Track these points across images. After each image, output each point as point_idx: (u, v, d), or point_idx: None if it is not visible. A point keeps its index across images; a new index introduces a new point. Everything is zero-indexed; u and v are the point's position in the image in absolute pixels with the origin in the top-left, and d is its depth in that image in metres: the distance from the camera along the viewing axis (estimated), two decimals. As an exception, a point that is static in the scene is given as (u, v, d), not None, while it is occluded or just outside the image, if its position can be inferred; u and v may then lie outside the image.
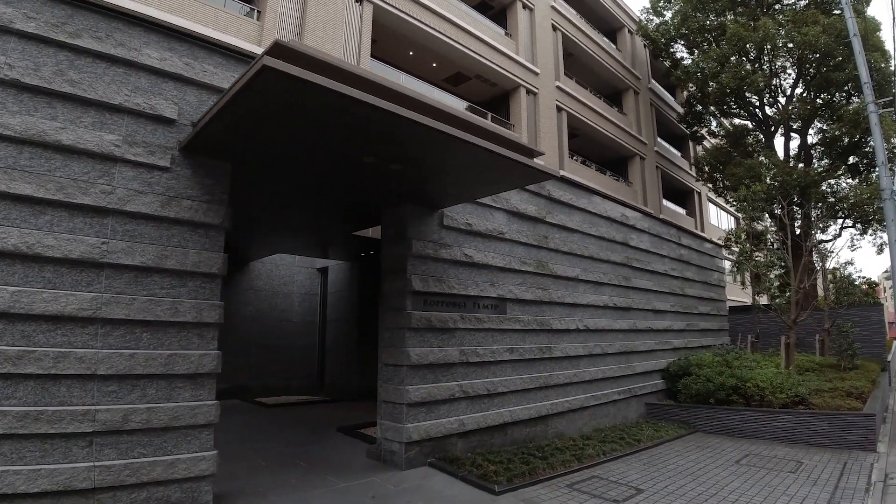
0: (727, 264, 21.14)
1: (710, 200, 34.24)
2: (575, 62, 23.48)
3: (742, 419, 10.23)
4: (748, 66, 21.66)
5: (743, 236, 17.45)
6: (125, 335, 5.04)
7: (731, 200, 25.77)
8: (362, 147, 5.46)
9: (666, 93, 29.62)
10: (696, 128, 26.49)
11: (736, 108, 24.02)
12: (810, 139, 23.30)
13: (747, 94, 22.53)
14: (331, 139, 5.38)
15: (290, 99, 4.36)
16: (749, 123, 24.60)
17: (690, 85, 24.87)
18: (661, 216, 19.75)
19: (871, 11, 52.70)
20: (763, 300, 20.23)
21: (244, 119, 4.99)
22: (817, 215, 20.74)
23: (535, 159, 6.02)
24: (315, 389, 13.38)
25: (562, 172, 16.27)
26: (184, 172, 5.69)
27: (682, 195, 31.24)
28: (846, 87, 21.24)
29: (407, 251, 7.17)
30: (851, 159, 22.62)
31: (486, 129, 5.49)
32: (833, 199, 21.26)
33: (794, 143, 23.58)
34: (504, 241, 8.65)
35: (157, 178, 5.50)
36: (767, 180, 20.13)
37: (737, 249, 18.91)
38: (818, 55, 20.35)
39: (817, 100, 22.04)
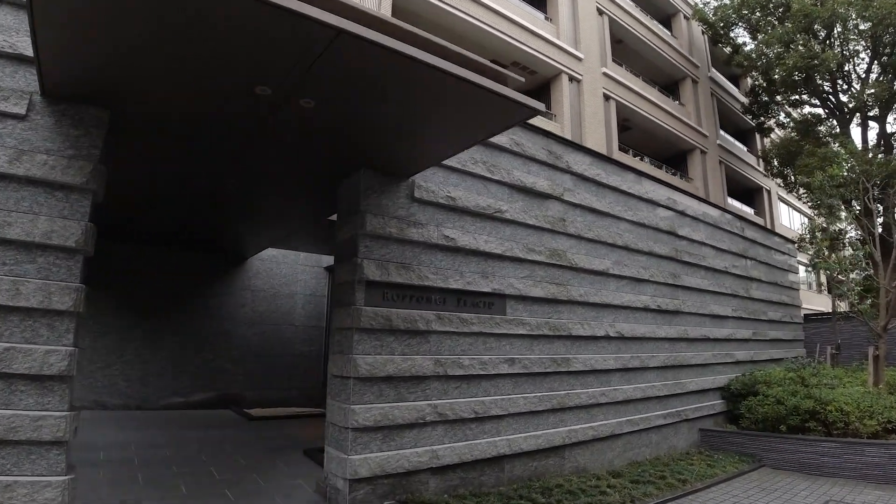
0: (801, 268, 18.20)
1: (781, 199, 30.54)
2: (625, 50, 21.07)
3: (820, 452, 8.07)
4: (817, 48, 18.88)
5: (819, 234, 14.77)
6: (-48, 320, 3.76)
7: (803, 196, 22.84)
8: (241, 69, 3.76)
9: (728, 82, 26.52)
10: (762, 119, 23.65)
11: (806, 95, 21.32)
12: (889, 127, 20.53)
13: (817, 79, 19.74)
14: (198, 63, 3.73)
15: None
16: (821, 111, 21.69)
17: (753, 73, 22.28)
18: (721, 205, 17.11)
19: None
20: (843, 306, 17.25)
21: (74, 32, 3.48)
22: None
23: (510, 89, 4.07)
24: (319, 401, 11.73)
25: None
26: (44, 122, 4.40)
27: (749, 193, 27.85)
28: None
29: (358, 229, 5.30)
30: (938, 149, 19.64)
31: (417, 34, 3.62)
32: (920, 192, 18.09)
33: (872, 133, 20.65)
34: (503, 223, 6.63)
35: (10, 129, 4.22)
36: (844, 172, 17.45)
37: (812, 249, 16.36)
38: (893, 31, 17.77)
39: (895, 82, 19.10)
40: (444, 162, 6.03)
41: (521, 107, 3.98)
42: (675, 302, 9.20)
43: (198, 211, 7.47)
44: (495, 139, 6.61)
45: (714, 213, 11.03)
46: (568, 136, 16.76)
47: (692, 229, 10.03)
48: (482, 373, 6.05)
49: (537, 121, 8.93)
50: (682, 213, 9.82)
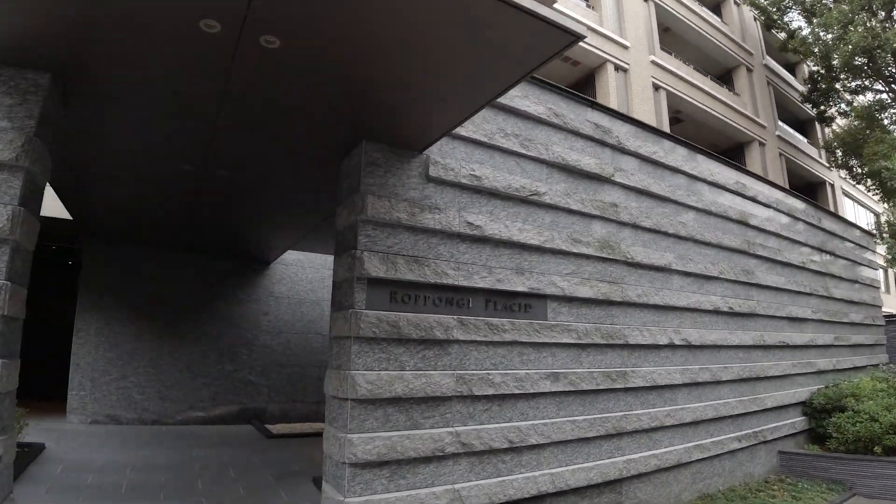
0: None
1: (846, 194, 27.81)
2: (673, 38, 19.38)
3: (923, 478, 6.82)
4: (877, 26, 16.97)
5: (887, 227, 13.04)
6: None
7: (871, 188, 20.59)
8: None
9: (784, 71, 24.27)
10: (823, 107, 21.48)
11: (868, 80, 19.10)
12: (959, 112, 18.30)
13: (880, 61, 17.66)
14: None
15: None
16: (885, 97, 19.46)
17: (811, 59, 20.35)
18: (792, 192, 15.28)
19: None
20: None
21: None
22: None
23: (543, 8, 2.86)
24: (348, 414, 10.66)
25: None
26: (-26, 89, 3.47)
27: (811, 188, 25.35)
28: None
29: (358, 214, 4.14)
30: None
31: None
32: None
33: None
34: (541, 208, 5.34)
35: (-69, 97, 3.39)
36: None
37: (886, 244, 14.44)
38: None
39: (963, 65, 16.97)
40: (467, 135, 4.84)
41: (557, 31, 2.76)
42: (749, 303, 7.65)
43: (194, 206, 6.52)
44: (531, 108, 5.37)
45: (789, 200, 9.37)
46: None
47: (765, 219, 8.44)
48: (518, 392, 4.76)
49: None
50: (754, 200, 8.24)
